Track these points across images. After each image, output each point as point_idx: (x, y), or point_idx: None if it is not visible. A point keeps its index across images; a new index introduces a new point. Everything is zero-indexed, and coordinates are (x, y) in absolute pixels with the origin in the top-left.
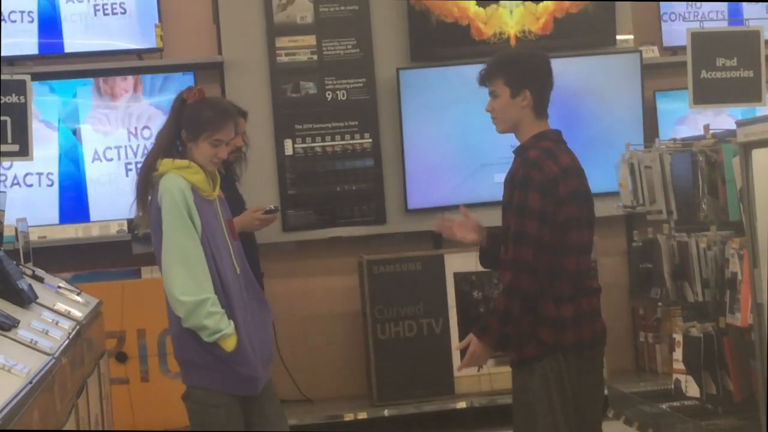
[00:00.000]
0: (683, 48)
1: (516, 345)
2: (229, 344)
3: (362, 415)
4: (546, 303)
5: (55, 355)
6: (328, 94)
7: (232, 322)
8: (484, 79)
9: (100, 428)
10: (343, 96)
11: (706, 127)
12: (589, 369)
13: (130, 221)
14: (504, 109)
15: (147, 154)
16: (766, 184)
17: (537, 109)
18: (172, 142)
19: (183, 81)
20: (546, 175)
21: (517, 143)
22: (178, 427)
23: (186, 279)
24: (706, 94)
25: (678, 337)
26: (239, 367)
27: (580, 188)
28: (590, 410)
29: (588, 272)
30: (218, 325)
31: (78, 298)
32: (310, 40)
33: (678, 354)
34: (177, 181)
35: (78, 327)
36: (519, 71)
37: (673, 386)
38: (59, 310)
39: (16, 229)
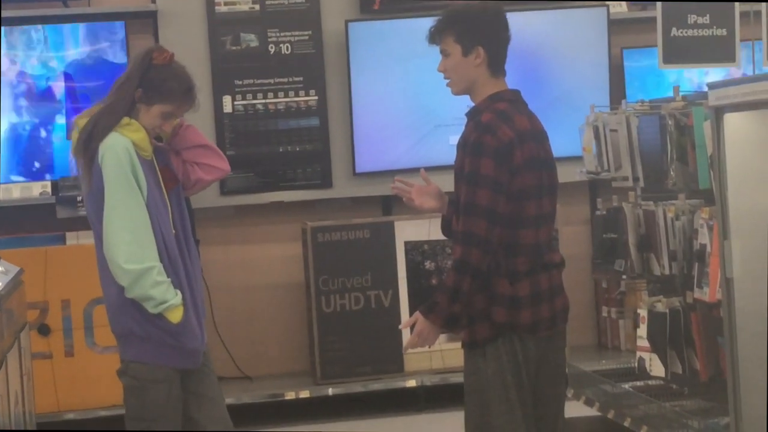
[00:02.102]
0: (653, 3)
1: (467, 325)
2: (176, 315)
3: (305, 394)
4: (500, 280)
5: None
6: (271, 48)
7: (178, 292)
8: (433, 37)
9: (21, 406)
10: (287, 49)
11: (676, 89)
12: (548, 349)
13: (54, 182)
14: (456, 69)
15: (102, 107)
16: (738, 150)
17: (492, 67)
18: (128, 98)
19: (113, 31)
20: (500, 140)
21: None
22: (106, 405)
23: (131, 246)
24: (677, 53)
25: (642, 313)
26: (185, 339)
27: (539, 154)
28: (551, 392)
29: (549, 245)
30: (164, 296)
31: None
32: None
33: (642, 330)
34: (120, 140)
35: None
36: (470, 26)
37: (636, 365)
38: None
39: None
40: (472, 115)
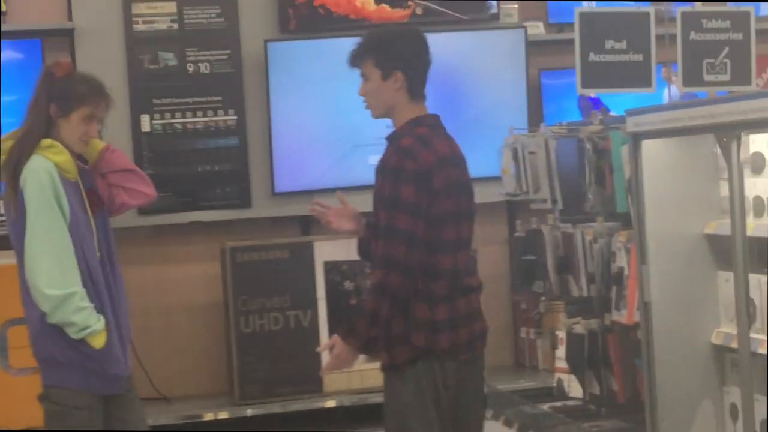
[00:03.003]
0: (570, 25)
1: (386, 348)
2: (98, 341)
3: (223, 415)
4: (418, 304)
5: None
6: (190, 67)
7: (101, 317)
8: (353, 60)
9: None
10: (206, 69)
11: (594, 113)
12: (467, 371)
13: None
14: (376, 93)
15: (20, 132)
16: (655, 176)
17: (412, 92)
18: (43, 119)
19: (28, 49)
20: (420, 165)
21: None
22: (20, 428)
23: (53, 271)
24: (595, 78)
25: (561, 334)
26: (108, 365)
27: (458, 179)
28: (470, 414)
29: (467, 269)
30: (87, 321)
31: None
32: (170, 6)
33: (561, 352)
34: (42, 163)
35: None
36: (390, 51)
37: (555, 385)
38: None
39: None
40: (392, 139)
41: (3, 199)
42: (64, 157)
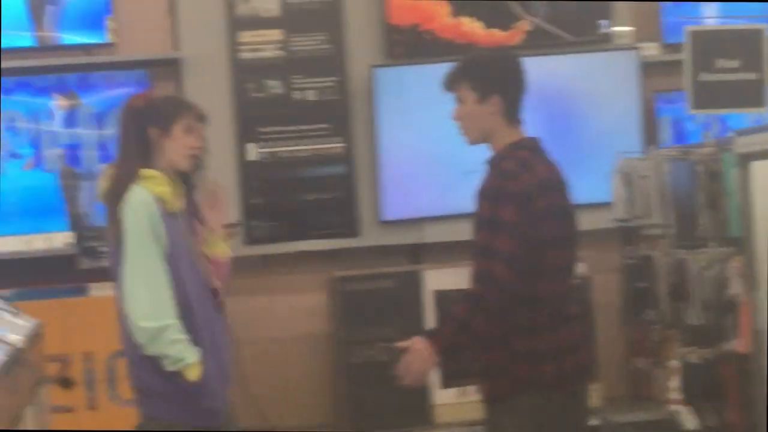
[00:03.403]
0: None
1: (487, 380)
2: (193, 374)
3: None
4: (519, 334)
5: None
6: (296, 94)
7: (196, 350)
8: (449, 84)
9: None
10: (312, 96)
11: (706, 135)
12: (572, 405)
13: (78, 233)
14: (471, 117)
15: (115, 164)
16: (766, 198)
17: (508, 116)
18: (140, 149)
19: (135, 80)
20: (521, 187)
21: None
22: None
23: (148, 303)
24: (706, 99)
25: (675, 364)
26: (203, 398)
27: (560, 203)
28: None
29: (569, 296)
30: (181, 354)
31: (15, 319)
32: (276, 34)
33: (675, 382)
34: (141, 195)
35: (13, 352)
36: (486, 74)
37: (669, 418)
38: None
39: None
40: (492, 162)
41: (106, 230)
42: (165, 188)
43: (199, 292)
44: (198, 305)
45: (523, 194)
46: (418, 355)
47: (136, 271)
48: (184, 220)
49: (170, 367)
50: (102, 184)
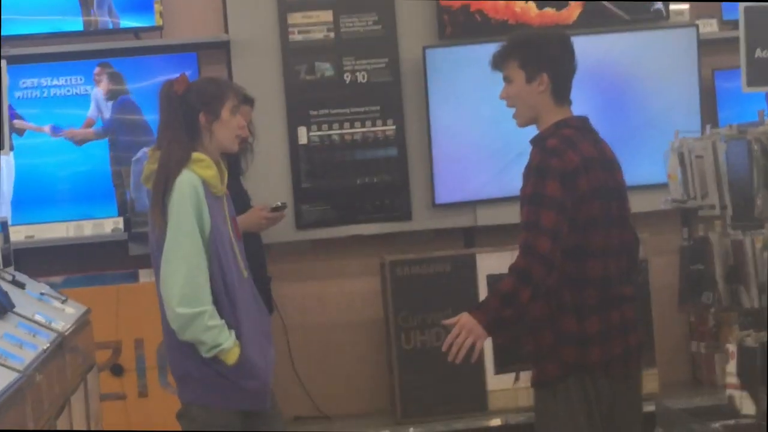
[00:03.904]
0: None
1: (535, 363)
2: (231, 357)
3: None
4: (567, 316)
5: (27, 372)
6: (347, 76)
7: (233, 333)
8: (497, 62)
9: None
10: (364, 78)
11: (761, 113)
12: (622, 389)
13: (126, 219)
14: (519, 96)
15: (161, 148)
16: None
17: (556, 95)
18: (187, 133)
19: (184, 64)
20: (566, 164)
21: None
22: None
23: (185, 288)
24: (762, 76)
25: (732, 348)
26: (244, 380)
27: (607, 183)
28: None
29: (620, 278)
30: (216, 340)
31: (63, 306)
32: (326, 15)
33: (732, 366)
34: (189, 178)
35: (59, 339)
36: (535, 53)
37: (726, 402)
38: (39, 320)
39: None
40: (536, 141)
41: (149, 216)
42: (212, 172)
43: (239, 276)
44: (234, 290)
45: (567, 171)
46: (465, 330)
47: (176, 255)
48: (224, 203)
49: (206, 354)
50: (148, 167)
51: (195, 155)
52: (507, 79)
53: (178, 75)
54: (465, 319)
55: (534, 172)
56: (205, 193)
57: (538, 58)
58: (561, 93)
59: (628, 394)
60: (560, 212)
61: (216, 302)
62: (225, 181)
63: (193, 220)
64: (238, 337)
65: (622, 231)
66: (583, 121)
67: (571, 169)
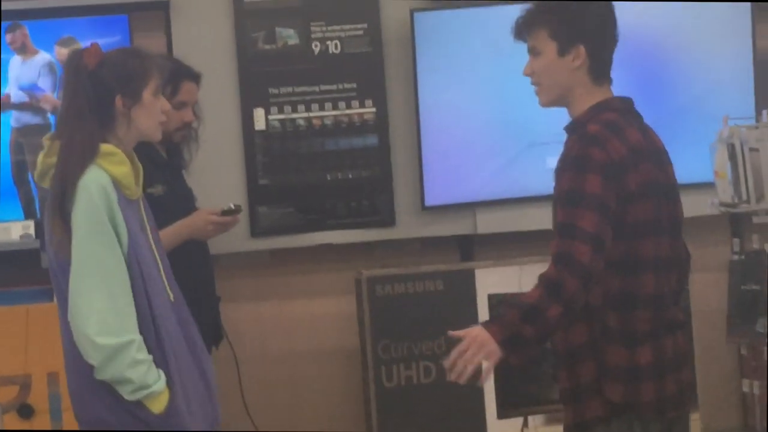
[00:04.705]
0: None
1: (572, 402)
2: (158, 404)
3: None
4: (613, 346)
5: None
6: (315, 46)
7: (162, 374)
8: (521, 31)
9: None
10: (336, 48)
11: None
12: None
13: (38, 222)
14: (549, 71)
15: (62, 136)
16: None
17: (594, 72)
18: (98, 120)
19: (113, 28)
20: (610, 155)
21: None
22: None
23: (105, 313)
24: None
25: None
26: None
27: (657, 179)
28: None
29: (672, 298)
30: (145, 379)
31: None
32: None
33: None
34: (97, 177)
35: None
36: (570, 20)
37: None
38: None
39: None
40: (574, 128)
41: (46, 224)
42: (126, 169)
43: (165, 298)
44: (163, 313)
45: (611, 164)
46: (475, 345)
47: (90, 274)
48: (140, 209)
49: (130, 396)
50: (44, 161)
51: (105, 147)
52: (534, 51)
53: (109, 43)
54: (476, 331)
55: (571, 165)
56: (119, 195)
57: (574, 27)
58: (600, 69)
59: None
60: (603, 213)
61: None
62: (141, 180)
63: (108, 229)
64: (167, 377)
65: (673, 240)
66: (628, 103)
67: (617, 162)
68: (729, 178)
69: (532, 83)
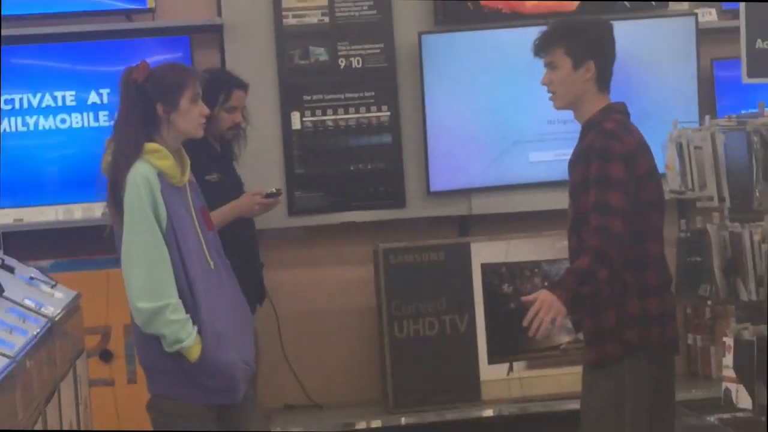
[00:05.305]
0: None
1: (595, 344)
2: (192, 354)
3: (376, 423)
4: (629, 298)
5: (17, 358)
6: (341, 62)
7: (195, 329)
8: (540, 49)
9: None
10: (358, 63)
11: (761, 104)
12: (665, 375)
13: None
14: (565, 83)
15: (115, 146)
16: None
17: (600, 82)
18: (144, 123)
19: (177, 47)
20: (626, 147)
21: (561, 118)
22: None
23: (145, 282)
24: (763, 67)
25: (728, 341)
26: (205, 378)
27: (654, 166)
28: (662, 422)
29: (665, 262)
30: (178, 335)
31: (53, 291)
32: (322, 0)
33: (728, 360)
34: (142, 169)
35: (49, 324)
36: (583, 40)
37: (722, 396)
38: (28, 305)
39: None
40: (590, 126)
41: (107, 205)
42: (169, 162)
43: (204, 268)
44: (201, 280)
45: (628, 154)
46: (545, 306)
47: (135, 249)
48: (187, 194)
49: (168, 349)
50: (105, 158)
51: (149, 146)
52: (551, 65)
53: (172, 59)
54: (544, 295)
55: (596, 156)
56: (163, 183)
57: (586, 45)
58: (605, 80)
59: (669, 382)
60: (626, 194)
61: (180, 296)
62: (187, 171)
63: (148, 212)
64: (202, 332)
65: (663, 214)
66: (625, 106)
67: (631, 152)
68: (677, 170)
69: (549, 91)
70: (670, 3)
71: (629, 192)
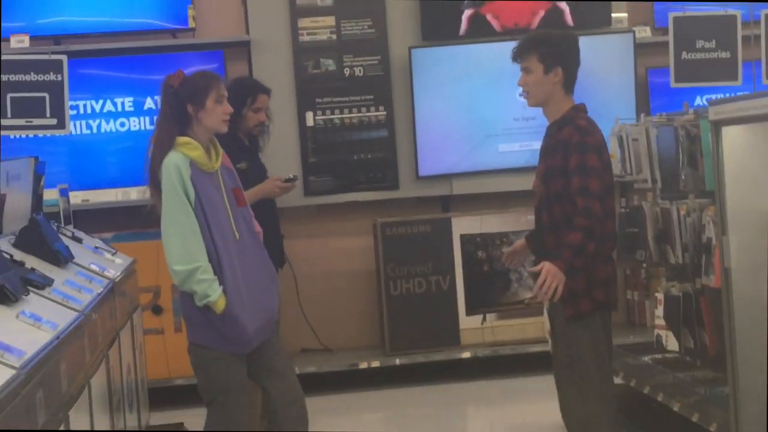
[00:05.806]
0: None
1: (571, 301)
2: (218, 307)
3: (376, 364)
4: (599, 265)
5: (85, 312)
6: (346, 71)
7: (221, 288)
8: (517, 55)
9: (133, 375)
10: (360, 72)
11: (686, 104)
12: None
13: None
14: (537, 84)
15: (154, 140)
16: (735, 158)
17: (566, 86)
18: (178, 121)
19: (212, 59)
20: (597, 141)
21: (524, 116)
22: None
23: (180, 249)
24: (687, 74)
25: (660, 296)
26: (227, 329)
27: (609, 158)
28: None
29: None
30: (206, 291)
31: (113, 258)
32: (330, 20)
33: (660, 311)
34: (174, 158)
35: (110, 285)
36: (552, 49)
37: (655, 340)
38: (94, 269)
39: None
40: (563, 122)
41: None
42: (199, 152)
43: (230, 238)
44: (226, 249)
45: (599, 146)
46: (551, 276)
47: (170, 222)
48: (218, 177)
49: (198, 303)
50: (149, 150)
51: (180, 139)
52: (526, 70)
53: (206, 68)
54: (548, 266)
55: (575, 149)
56: (193, 170)
57: (555, 54)
58: (570, 84)
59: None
60: (601, 180)
61: (209, 260)
62: (218, 158)
63: (180, 192)
64: (226, 291)
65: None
66: (586, 107)
67: (600, 145)
68: (618, 158)
69: (523, 91)
70: (612, 21)
71: (602, 178)
